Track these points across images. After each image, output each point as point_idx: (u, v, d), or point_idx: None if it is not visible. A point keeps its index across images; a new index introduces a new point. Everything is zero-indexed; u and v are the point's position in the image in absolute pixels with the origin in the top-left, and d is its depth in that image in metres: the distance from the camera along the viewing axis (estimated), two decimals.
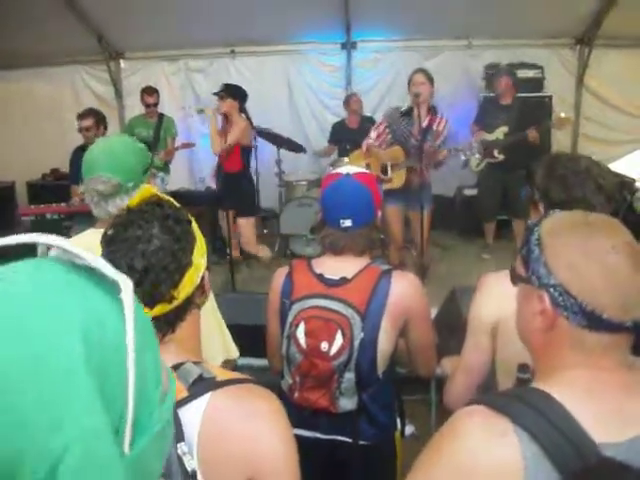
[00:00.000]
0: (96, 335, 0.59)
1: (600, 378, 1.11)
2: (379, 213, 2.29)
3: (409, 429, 2.55)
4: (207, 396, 1.21)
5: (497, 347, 1.92)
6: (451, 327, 3.65)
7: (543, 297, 1.16)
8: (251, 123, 6.22)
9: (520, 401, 1.10)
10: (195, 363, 1.29)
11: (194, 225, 1.36)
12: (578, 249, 1.12)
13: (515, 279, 1.26)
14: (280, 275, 2.29)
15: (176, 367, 1.26)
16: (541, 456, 1.03)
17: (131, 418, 0.61)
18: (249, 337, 2.47)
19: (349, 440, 2.20)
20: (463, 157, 5.70)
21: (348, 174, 2.25)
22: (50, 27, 7.16)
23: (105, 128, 5.88)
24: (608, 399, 1.10)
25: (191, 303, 1.35)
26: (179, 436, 1.15)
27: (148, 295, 1.25)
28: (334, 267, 2.19)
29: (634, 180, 6.40)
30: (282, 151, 7.49)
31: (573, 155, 1.97)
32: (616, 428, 1.06)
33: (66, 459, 0.54)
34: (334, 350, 2.07)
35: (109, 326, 0.62)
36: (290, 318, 2.16)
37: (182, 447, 1.14)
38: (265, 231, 7.96)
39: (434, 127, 5.37)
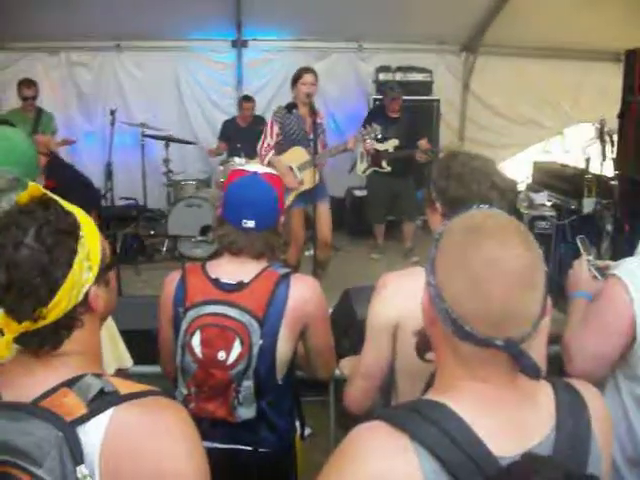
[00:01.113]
0: None
1: (490, 392, 1.10)
2: (282, 218, 2.20)
3: (306, 430, 2.50)
4: (109, 412, 1.10)
5: (397, 347, 1.89)
6: (345, 328, 3.64)
7: (424, 294, 1.16)
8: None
9: (419, 415, 1.07)
10: (95, 375, 1.17)
11: (87, 234, 1.20)
12: (460, 254, 1.08)
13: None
14: (172, 280, 2.15)
15: (74, 381, 1.14)
16: (440, 472, 1.01)
17: None
18: (139, 343, 2.34)
19: (249, 448, 2.12)
20: (369, 140, 5.75)
21: (256, 173, 2.15)
22: None
23: None
24: (501, 412, 1.09)
25: (72, 320, 1.19)
26: (78, 457, 1.04)
27: (11, 312, 1.12)
28: (230, 271, 2.09)
29: (517, 182, 6.67)
30: (170, 150, 7.28)
31: (468, 154, 1.98)
32: (510, 441, 1.06)
33: None
34: (232, 359, 1.97)
35: None
36: (184, 326, 2.03)
37: (82, 470, 1.03)
38: (152, 232, 7.72)
39: (318, 121, 5.40)
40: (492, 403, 1.09)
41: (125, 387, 1.17)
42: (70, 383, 1.13)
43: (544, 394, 1.15)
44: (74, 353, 1.20)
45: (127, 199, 7.44)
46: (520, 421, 1.09)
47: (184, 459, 1.16)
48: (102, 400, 1.11)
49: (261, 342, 1.99)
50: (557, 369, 2.10)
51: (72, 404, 1.09)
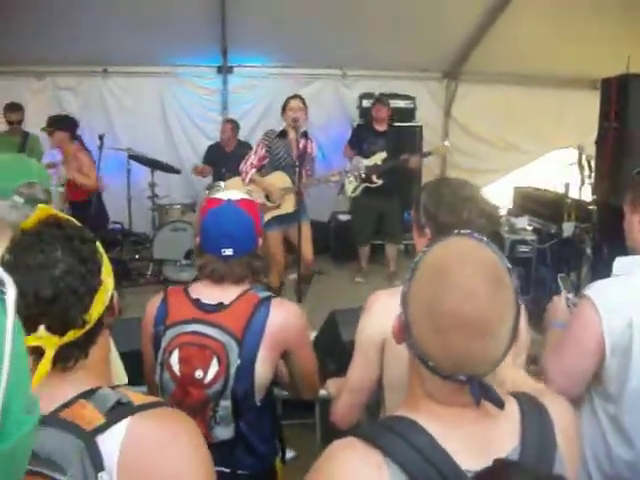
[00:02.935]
0: None
1: (455, 412, 1.16)
2: (260, 241, 2.24)
3: (289, 453, 2.52)
4: (125, 422, 1.17)
5: (385, 364, 1.93)
6: (330, 349, 3.67)
7: (396, 319, 1.23)
8: (85, 149, 6.18)
9: (391, 432, 1.14)
10: (110, 388, 1.24)
11: (98, 244, 1.29)
12: (425, 303, 1.14)
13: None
14: (154, 302, 2.20)
15: (90, 392, 1.21)
16: None
17: None
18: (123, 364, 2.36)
19: (227, 470, 2.11)
20: (351, 178, 5.83)
21: (229, 200, 2.19)
22: None
23: None
24: (466, 429, 1.15)
25: (102, 324, 1.28)
26: (98, 465, 1.11)
27: (58, 322, 1.17)
28: (211, 293, 2.13)
29: (498, 207, 6.76)
30: (156, 174, 7.32)
31: (458, 181, 2.05)
32: (478, 455, 1.11)
33: None
34: (209, 378, 2.00)
35: None
36: (164, 344, 2.07)
37: (103, 476, 1.10)
38: (137, 256, 7.72)
39: (308, 150, 5.47)
40: (458, 422, 1.16)
41: (137, 399, 1.24)
42: (86, 395, 1.20)
43: (509, 408, 1.20)
44: (87, 367, 1.26)
45: (113, 223, 7.45)
46: (485, 437, 1.15)
47: (196, 466, 1.24)
48: (118, 411, 1.18)
49: (239, 362, 2.01)
50: None
51: (91, 415, 1.16)
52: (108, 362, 1.37)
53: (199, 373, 2.00)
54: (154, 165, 7.22)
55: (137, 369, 2.35)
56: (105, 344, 1.34)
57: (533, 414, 1.21)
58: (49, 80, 8.10)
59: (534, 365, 2.21)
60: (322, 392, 2.42)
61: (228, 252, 2.13)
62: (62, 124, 5.80)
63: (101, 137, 5.97)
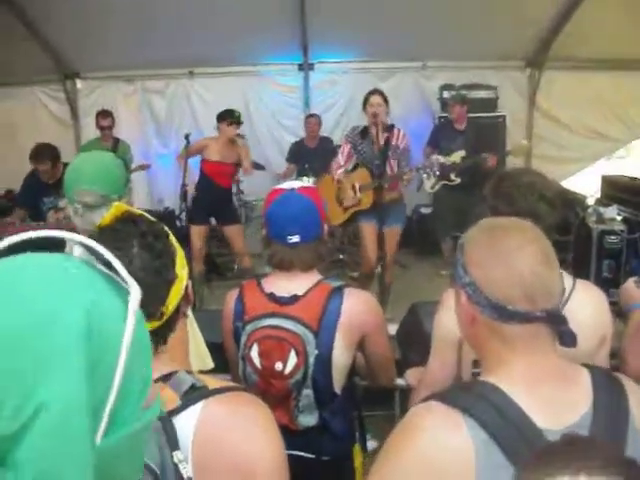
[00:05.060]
0: (97, 320, 0.63)
1: (533, 369, 1.22)
2: (325, 227, 2.28)
3: (371, 445, 2.56)
4: (200, 404, 1.23)
5: (462, 360, 1.95)
6: (412, 341, 3.71)
7: (461, 295, 1.29)
8: None
9: (469, 393, 1.21)
10: (187, 372, 1.30)
11: (172, 237, 1.35)
12: (487, 249, 1.25)
13: (451, 283, 1.39)
14: (231, 298, 2.26)
15: (168, 376, 1.27)
16: (490, 442, 1.14)
17: (110, 408, 0.63)
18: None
19: (311, 456, 2.18)
20: (424, 174, 5.81)
21: (293, 189, 2.23)
22: (4, 46, 7.07)
23: (61, 162, 5.67)
24: (543, 388, 1.21)
25: (179, 313, 1.36)
26: (174, 444, 1.16)
27: None
28: (284, 285, 2.16)
29: (585, 197, 6.59)
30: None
31: (519, 170, 2.08)
32: (553, 415, 1.17)
33: (41, 416, 0.56)
34: (289, 369, 2.06)
35: (111, 317, 0.66)
36: (244, 339, 2.14)
37: (177, 455, 1.15)
38: (225, 251, 7.91)
39: (392, 142, 5.47)
40: (534, 380, 1.21)
41: (212, 383, 1.31)
42: (165, 379, 1.27)
43: (582, 375, 1.27)
44: (166, 352, 1.34)
45: None
46: (560, 397, 1.20)
47: (267, 449, 1.28)
48: (194, 394, 1.24)
49: (316, 352, 2.06)
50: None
51: (168, 397, 1.22)
52: (186, 347, 1.43)
53: (279, 365, 2.06)
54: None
55: (221, 358, 2.46)
56: (182, 330, 1.40)
57: (606, 384, 1.25)
58: (139, 84, 8.42)
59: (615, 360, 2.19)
60: (400, 381, 2.46)
61: (295, 239, 2.15)
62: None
63: (187, 136, 6.17)
